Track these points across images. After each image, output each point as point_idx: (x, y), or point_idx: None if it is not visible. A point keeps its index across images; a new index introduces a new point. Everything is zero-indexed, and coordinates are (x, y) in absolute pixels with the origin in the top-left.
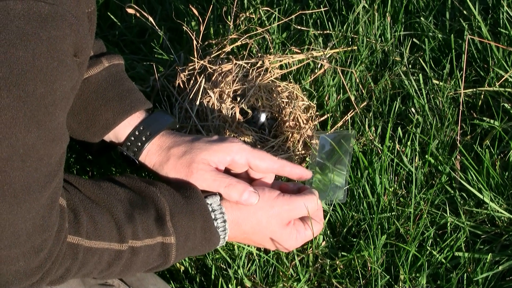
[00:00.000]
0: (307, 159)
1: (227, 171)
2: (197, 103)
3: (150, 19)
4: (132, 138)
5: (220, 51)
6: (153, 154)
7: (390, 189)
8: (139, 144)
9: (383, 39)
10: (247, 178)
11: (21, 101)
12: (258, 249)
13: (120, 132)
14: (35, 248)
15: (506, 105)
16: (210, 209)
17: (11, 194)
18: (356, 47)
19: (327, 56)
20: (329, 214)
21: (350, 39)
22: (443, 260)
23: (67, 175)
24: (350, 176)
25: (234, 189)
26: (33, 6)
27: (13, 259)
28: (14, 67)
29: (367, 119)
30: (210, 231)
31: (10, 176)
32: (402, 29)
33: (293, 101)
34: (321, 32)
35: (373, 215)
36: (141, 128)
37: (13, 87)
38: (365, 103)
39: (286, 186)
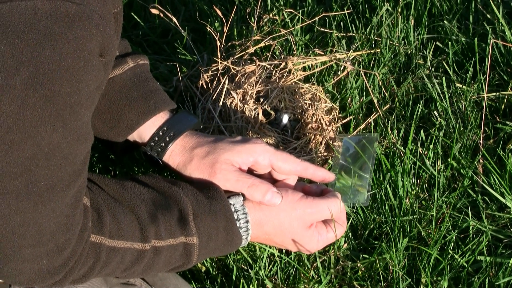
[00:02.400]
0: (330, 161)
1: (249, 172)
2: (220, 103)
3: (174, 19)
4: (156, 138)
5: (244, 52)
6: (176, 155)
7: (412, 192)
8: (163, 144)
9: (406, 42)
10: (269, 179)
11: (47, 100)
12: (280, 250)
13: (144, 132)
14: (58, 247)
15: None
16: (233, 210)
17: (36, 193)
18: (379, 50)
19: (350, 59)
20: (351, 217)
21: (373, 42)
22: (464, 264)
23: (91, 174)
24: (372, 179)
25: (257, 189)
26: (60, 6)
27: (36, 257)
28: (41, 67)
29: (389, 122)
30: (232, 231)
31: (35, 175)
32: (426, 32)
33: (316, 103)
34: (345, 34)
35: (395, 218)
36: (165, 128)
37: (39, 86)
38: (387, 105)
39: (309, 188)
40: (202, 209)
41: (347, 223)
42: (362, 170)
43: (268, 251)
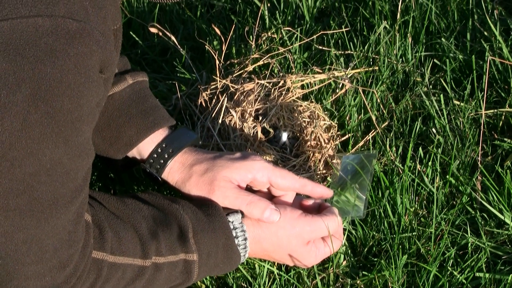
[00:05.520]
0: (328, 178)
1: (248, 188)
2: (219, 122)
3: (173, 38)
4: (155, 155)
5: (242, 71)
6: (175, 172)
7: (411, 209)
8: (162, 161)
9: (404, 59)
10: (268, 195)
11: (49, 117)
12: (279, 267)
13: (143, 149)
14: (61, 264)
15: None
16: (232, 227)
17: (39, 210)
18: (377, 67)
19: (348, 76)
20: (347, 232)
21: (371, 60)
22: (463, 281)
23: (92, 191)
24: (370, 195)
25: (256, 206)
26: (61, 23)
27: (39, 274)
28: (42, 83)
29: (388, 139)
30: (231, 249)
31: (38, 192)
32: (423, 50)
33: (314, 120)
34: (343, 52)
35: (394, 235)
36: (164, 145)
37: (41, 103)
38: (386, 123)
39: (306, 203)
40: (202, 226)
41: (344, 237)
42: (360, 186)
43: (268, 269)
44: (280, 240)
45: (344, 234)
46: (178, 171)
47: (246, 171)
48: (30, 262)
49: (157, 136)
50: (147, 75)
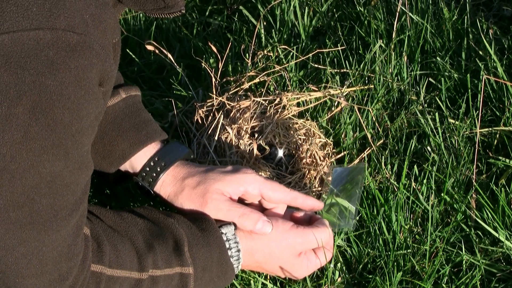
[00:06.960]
0: (323, 195)
1: (240, 201)
2: (215, 139)
3: (169, 55)
4: (147, 169)
5: (238, 88)
6: (167, 185)
7: (406, 227)
8: (154, 174)
9: (399, 78)
10: (259, 207)
11: (49, 130)
12: (274, 283)
13: (136, 162)
14: (61, 276)
15: None
16: (225, 239)
17: (39, 222)
18: (372, 86)
19: (344, 94)
20: (342, 249)
21: (366, 78)
22: None
23: (89, 205)
24: (366, 213)
25: (248, 218)
26: (62, 36)
27: (39, 287)
28: (43, 96)
29: (383, 157)
30: (225, 263)
31: (38, 204)
32: (418, 69)
33: (310, 138)
34: (338, 70)
35: (389, 252)
36: (156, 158)
37: (41, 116)
38: (381, 141)
39: (297, 215)
40: (197, 240)
41: (334, 250)
42: (350, 197)
43: (262, 282)
44: (273, 251)
45: (334, 248)
46: (171, 184)
47: (238, 184)
48: (30, 275)
49: (150, 149)
50: (144, 92)
